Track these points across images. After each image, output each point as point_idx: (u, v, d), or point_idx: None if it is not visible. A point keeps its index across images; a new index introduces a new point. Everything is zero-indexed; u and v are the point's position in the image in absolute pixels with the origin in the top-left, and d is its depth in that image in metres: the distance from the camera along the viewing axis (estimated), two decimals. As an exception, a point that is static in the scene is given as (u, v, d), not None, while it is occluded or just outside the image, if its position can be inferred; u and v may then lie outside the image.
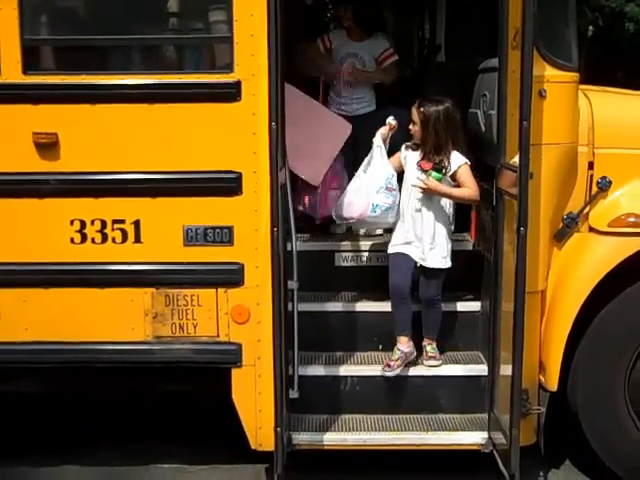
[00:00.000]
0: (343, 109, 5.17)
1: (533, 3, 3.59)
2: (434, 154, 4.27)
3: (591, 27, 9.57)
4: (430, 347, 4.42)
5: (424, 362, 4.39)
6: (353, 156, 4.95)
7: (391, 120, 4.40)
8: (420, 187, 4.26)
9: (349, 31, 5.15)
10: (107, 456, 4.51)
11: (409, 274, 4.35)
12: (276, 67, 3.59)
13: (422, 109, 4.29)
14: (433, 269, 4.35)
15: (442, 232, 4.36)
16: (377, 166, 4.37)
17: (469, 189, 4.27)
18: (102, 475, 4.41)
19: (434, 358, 4.39)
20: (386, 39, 5.30)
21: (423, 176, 4.25)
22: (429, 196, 4.30)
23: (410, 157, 4.42)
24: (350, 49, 5.13)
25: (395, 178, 4.38)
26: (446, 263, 4.37)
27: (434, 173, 4.21)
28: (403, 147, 4.47)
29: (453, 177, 4.27)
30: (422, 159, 4.30)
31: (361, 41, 5.13)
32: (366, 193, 4.35)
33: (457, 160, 4.26)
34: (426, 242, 4.34)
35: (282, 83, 3.77)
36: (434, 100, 4.33)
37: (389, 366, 4.28)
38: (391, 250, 4.43)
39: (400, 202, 4.41)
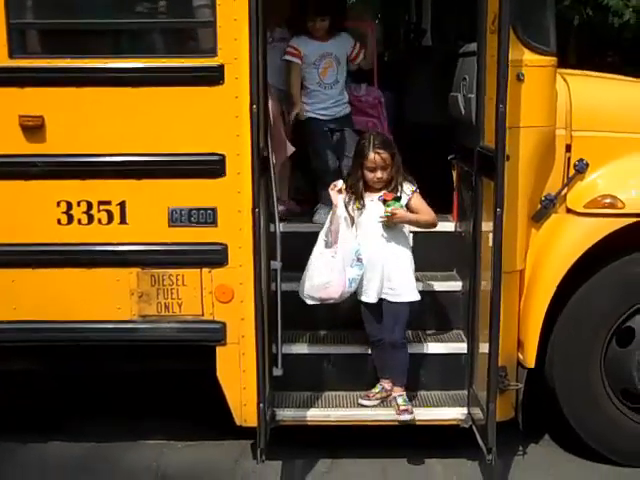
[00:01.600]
0: (323, 114, 4.96)
1: (510, -13, 3.66)
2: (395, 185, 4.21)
3: (577, 16, 9.59)
4: (401, 399, 4.26)
5: (396, 417, 4.22)
6: (339, 152, 4.96)
7: (339, 184, 4.22)
8: (388, 218, 4.14)
9: (313, 35, 4.90)
10: (95, 432, 4.59)
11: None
12: (257, 51, 3.65)
13: (387, 150, 4.17)
14: (402, 303, 4.23)
15: (410, 263, 4.26)
16: (346, 238, 4.14)
17: (427, 214, 4.24)
18: (90, 451, 4.48)
19: (407, 412, 4.20)
20: (349, 36, 5.04)
21: (389, 209, 4.13)
22: (393, 229, 4.20)
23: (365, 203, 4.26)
24: (322, 50, 4.88)
25: (361, 247, 4.20)
26: (417, 295, 4.25)
27: (396, 203, 4.13)
28: (345, 200, 4.21)
29: (407, 206, 4.20)
30: (385, 192, 4.18)
31: (328, 40, 4.90)
32: (341, 270, 4.12)
33: (409, 188, 4.21)
34: (397, 276, 4.22)
35: (264, 67, 3.84)
36: (377, 135, 4.30)
37: (368, 397, 4.31)
38: (374, 299, 4.25)
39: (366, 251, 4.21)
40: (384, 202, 4.14)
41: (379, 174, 4.16)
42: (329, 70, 4.90)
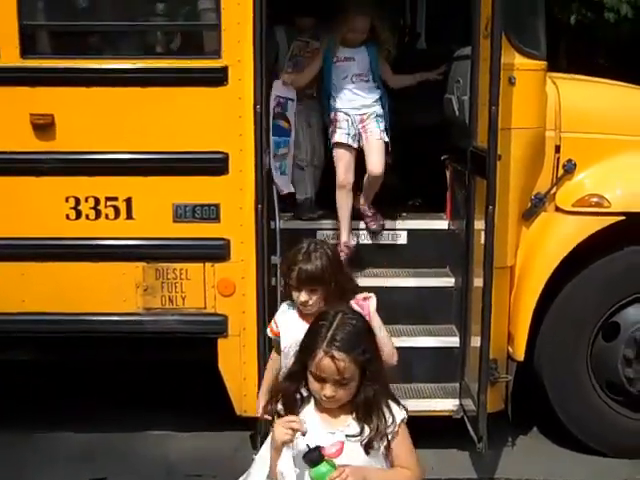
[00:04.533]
0: None
1: (502, -6, 3.83)
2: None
3: (574, 16, 9.79)
4: None
5: None
6: None
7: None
8: None
9: None
10: (98, 423, 4.69)
11: None
12: (261, 53, 3.80)
13: (353, 354, 2.40)
14: None
15: None
16: None
17: (409, 466, 2.51)
18: (93, 441, 4.59)
19: None
20: None
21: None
22: None
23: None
24: None
25: None
26: None
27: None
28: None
29: (387, 446, 2.49)
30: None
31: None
32: None
33: (397, 414, 2.53)
34: None
35: (267, 69, 3.98)
36: (348, 318, 2.50)
37: None
38: None
39: None
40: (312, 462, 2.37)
41: (329, 391, 2.43)
42: None
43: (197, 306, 4.24)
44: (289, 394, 2.56)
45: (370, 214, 4.79)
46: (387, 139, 4.73)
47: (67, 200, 4.13)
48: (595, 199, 4.28)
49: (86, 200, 4.13)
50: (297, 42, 4.97)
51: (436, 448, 4.49)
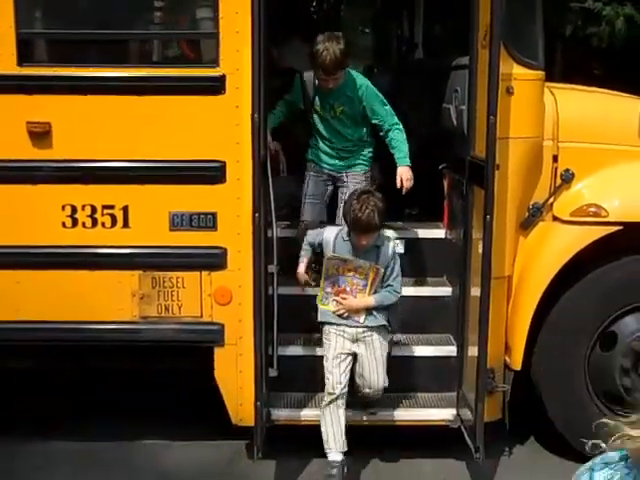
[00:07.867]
0: None
1: (500, 3, 3.83)
2: None
3: (569, 26, 9.87)
4: None
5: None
6: None
7: None
8: None
9: None
10: (92, 432, 4.67)
11: None
12: (259, 62, 3.80)
13: None
14: None
15: None
16: None
17: None
18: (89, 450, 4.57)
19: None
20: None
21: None
22: None
23: None
24: None
25: None
26: None
27: None
28: None
29: None
30: None
31: None
32: None
33: None
34: None
35: (265, 77, 3.98)
36: None
37: None
38: None
39: None
40: None
41: None
42: None
43: (193, 315, 4.22)
44: None
45: None
46: None
47: (63, 208, 4.12)
48: (593, 209, 4.28)
49: (82, 208, 4.12)
50: (332, 260, 4.19)
51: (433, 457, 4.50)
